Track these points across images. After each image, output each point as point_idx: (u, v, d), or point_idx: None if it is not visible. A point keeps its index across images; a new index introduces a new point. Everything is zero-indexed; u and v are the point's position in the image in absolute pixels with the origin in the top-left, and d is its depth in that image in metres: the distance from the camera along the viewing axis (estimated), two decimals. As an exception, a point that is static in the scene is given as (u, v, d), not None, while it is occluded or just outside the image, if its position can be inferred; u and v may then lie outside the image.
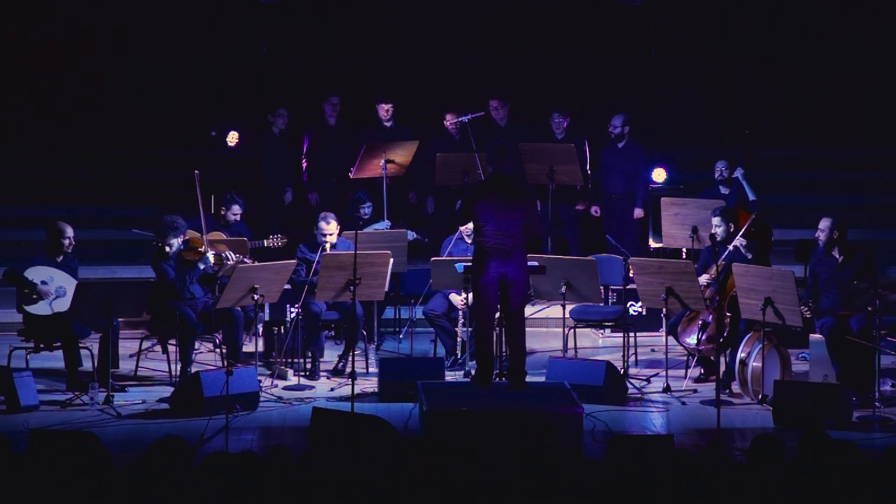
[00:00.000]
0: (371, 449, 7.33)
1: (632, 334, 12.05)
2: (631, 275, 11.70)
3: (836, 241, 11.11)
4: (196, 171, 11.60)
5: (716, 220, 11.37)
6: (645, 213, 13.97)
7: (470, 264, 10.78)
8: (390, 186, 13.51)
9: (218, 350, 11.75)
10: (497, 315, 10.54)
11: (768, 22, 16.48)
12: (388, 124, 14.37)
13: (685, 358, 11.59)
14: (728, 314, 11.00)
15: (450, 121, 14.16)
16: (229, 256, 11.41)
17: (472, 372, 10.72)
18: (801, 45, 16.48)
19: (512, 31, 16.44)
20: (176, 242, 11.31)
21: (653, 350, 12.59)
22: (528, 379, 10.37)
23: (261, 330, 11.81)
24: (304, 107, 14.80)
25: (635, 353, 12.21)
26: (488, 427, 9.57)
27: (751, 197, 12.86)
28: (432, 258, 11.68)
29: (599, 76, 16.42)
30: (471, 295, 11.33)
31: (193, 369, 11.08)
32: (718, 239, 11.24)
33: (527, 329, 10.59)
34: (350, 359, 10.50)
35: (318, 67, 16.18)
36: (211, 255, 11.37)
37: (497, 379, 10.59)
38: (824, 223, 11.15)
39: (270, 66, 16.24)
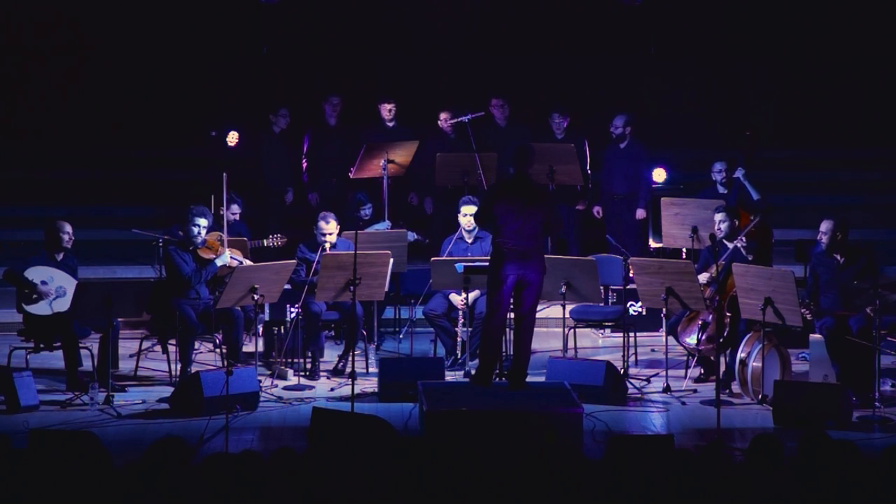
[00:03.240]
0: (371, 449, 7.32)
1: (632, 334, 12.04)
2: (631, 275, 11.70)
3: (839, 243, 11.09)
4: (224, 173, 11.78)
5: (719, 216, 11.32)
6: (646, 214, 13.97)
7: (470, 264, 10.78)
8: (391, 186, 13.50)
9: (218, 350, 11.74)
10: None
11: (768, 22, 16.48)
12: (390, 124, 14.36)
13: (685, 358, 11.58)
14: (728, 314, 10.99)
15: (444, 120, 14.15)
16: (242, 262, 11.41)
17: (473, 372, 10.71)
18: (801, 46, 16.48)
19: (512, 31, 16.44)
20: (205, 224, 11.31)
21: (653, 350, 12.59)
22: (528, 379, 10.36)
23: (261, 330, 11.80)
24: (305, 107, 14.80)
25: (635, 353, 12.21)
26: (488, 427, 9.55)
27: (755, 196, 12.85)
28: (432, 258, 11.67)
29: (599, 76, 16.41)
30: (471, 295, 11.35)
31: (193, 369, 11.08)
32: (722, 235, 11.23)
33: (527, 329, 10.61)
34: (350, 359, 10.49)
35: (319, 67, 16.18)
36: (227, 255, 11.37)
37: (497, 379, 10.59)
38: (826, 225, 11.07)
39: (270, 66, 16.24)
